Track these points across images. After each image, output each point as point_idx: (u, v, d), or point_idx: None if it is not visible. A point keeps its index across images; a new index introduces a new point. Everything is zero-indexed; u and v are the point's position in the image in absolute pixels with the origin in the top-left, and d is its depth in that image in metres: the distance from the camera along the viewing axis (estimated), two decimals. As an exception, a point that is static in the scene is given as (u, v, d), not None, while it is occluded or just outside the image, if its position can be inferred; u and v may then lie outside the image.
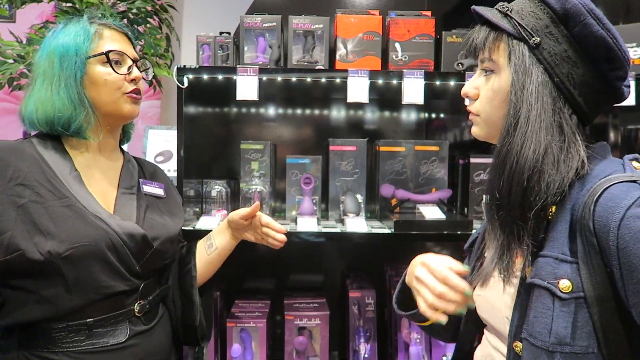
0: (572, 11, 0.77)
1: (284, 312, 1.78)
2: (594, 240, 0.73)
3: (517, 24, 0.79)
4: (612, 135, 1.86)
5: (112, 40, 1.11)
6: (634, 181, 0.73)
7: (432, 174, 1.89)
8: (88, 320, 1.00)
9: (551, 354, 0.74)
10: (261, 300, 1.91)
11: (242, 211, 1.28)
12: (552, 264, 0.76)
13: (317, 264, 2.14)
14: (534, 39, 0.78)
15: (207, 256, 1.30)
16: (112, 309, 1.04)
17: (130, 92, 1.11)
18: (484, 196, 1.78)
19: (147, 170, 1.25)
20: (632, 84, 1.61)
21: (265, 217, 1.30)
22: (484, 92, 0.85)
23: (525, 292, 0.80)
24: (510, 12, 0.81)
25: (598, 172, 0.79)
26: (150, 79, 1.22)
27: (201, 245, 1.32)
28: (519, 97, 0.78)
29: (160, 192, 1.21)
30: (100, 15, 1.15)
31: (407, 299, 1.01)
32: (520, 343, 0.79)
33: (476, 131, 0.90)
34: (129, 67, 1.12)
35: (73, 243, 0.97)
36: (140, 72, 1.15)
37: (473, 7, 0.85)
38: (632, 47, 1.73)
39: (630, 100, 1.60)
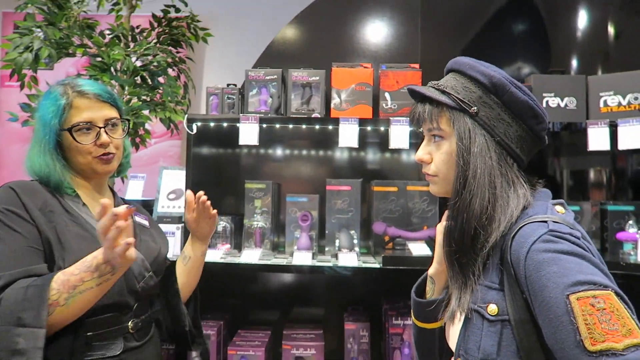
0: (499, 84, 0.93)
1: (282, 341, 1.90)
2: (512, 271, 0.86)
3: (456, 98, 0.95)
4: (592, 176, 1.95)
5: (80, 111, 1.24)
6: (544, 221, 0.86)
7: (424, 213, 2.01)
8: (89, 333, 1.16)
9: None
10: (263, 331, 2.04)
11: (186, 211, 1.47)
12: (483, 290, 0.90)
13: (319, 297, 2.25)
14: (473, 108, 0.94)
15: (184, 266, 1.49)
16: (110, 324, 1.19)
17: (100, 155, 1.25)
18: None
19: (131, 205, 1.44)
20: (607, 130, 1.72)
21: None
22: (438, 156, 0.99)
23: (467, 316, 0.93)
24: (446, 88, 0.97)
25: (527, 214, 0.92)
26: (125, 135, 1.33)
27: (179, 261, 1.51)
28: (466, 159, 0.94)
29: (146, 223, 1.41)
30: (79, 81, 1.25)
31: (422, 291, 1.13)
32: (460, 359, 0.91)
33: (435, 189, 1.03)
34: (97, 134, 1.24)
35: None
36: (124, 125, 1.30)
37: (411, 87, 1.01)
38: (609, 95, 1.83)
39: (604, 145, 1.70)
